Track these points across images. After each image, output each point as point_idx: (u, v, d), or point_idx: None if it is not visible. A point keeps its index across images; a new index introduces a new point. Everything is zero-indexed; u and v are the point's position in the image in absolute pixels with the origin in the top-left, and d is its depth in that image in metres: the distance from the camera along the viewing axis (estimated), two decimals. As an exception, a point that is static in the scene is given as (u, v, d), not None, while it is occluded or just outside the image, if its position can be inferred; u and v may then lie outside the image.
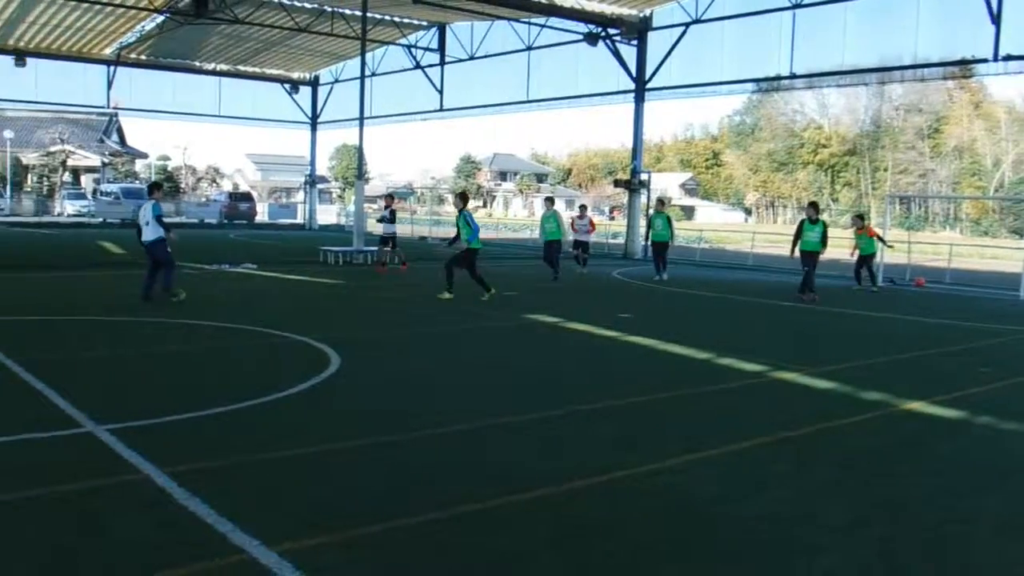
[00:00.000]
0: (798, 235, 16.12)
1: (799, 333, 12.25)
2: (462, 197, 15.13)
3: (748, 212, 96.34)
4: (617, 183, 32.05)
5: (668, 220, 20.70)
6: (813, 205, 16.79)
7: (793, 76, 25.64)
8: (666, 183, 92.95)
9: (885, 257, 21.34)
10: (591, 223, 21.96)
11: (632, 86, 28.74)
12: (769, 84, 27.96)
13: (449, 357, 9.26)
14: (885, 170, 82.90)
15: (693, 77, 27.64)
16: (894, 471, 5.49)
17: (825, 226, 16.15)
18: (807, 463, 5.58)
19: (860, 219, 19.70)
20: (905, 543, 4.32)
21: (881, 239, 19.27)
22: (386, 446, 5.63)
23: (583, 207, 22.62)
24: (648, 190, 29.64)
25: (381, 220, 21.65)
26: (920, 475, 5.43)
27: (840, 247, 20.82)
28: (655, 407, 7.08)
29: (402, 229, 42.81)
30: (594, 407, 6.92)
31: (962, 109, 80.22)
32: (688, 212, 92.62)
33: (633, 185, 29.07)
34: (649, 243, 21.10)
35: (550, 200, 21.45)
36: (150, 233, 12.71)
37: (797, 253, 16.11)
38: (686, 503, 4.77)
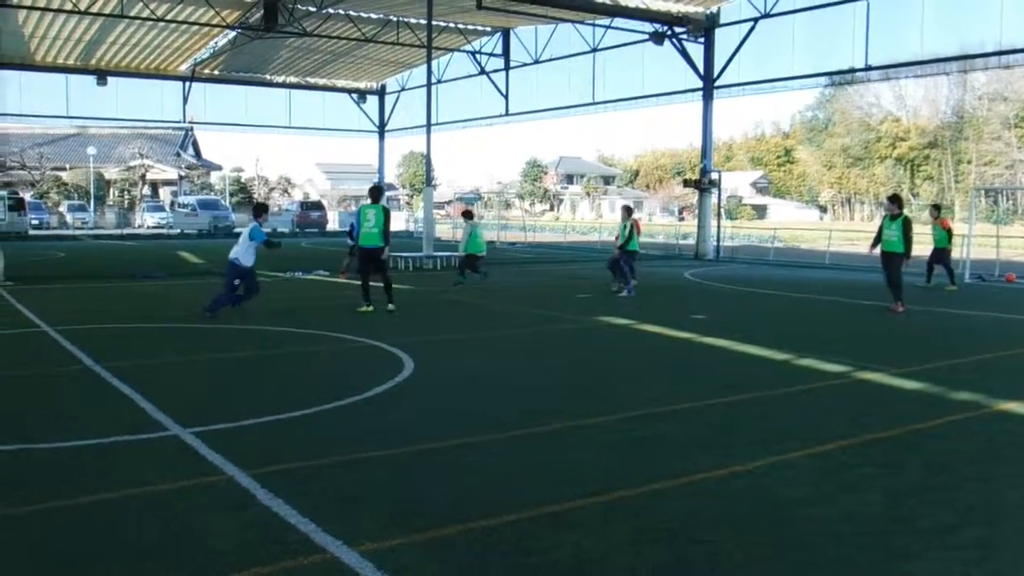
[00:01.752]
0: (879, 234, 14.06)
1: (881, 332, 11.91)
2: (627, 210, 16.98)
3: (823, 209, 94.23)
4: (687, 183, 31.70)
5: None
6: (893, 199, 14.42)
7: (868, 68, 24.99)
8: (736, 182, 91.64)
9: (972, 252, 20.63)
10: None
11: (700, 84, 28.43)
12: (843, 77, 27.31)
13: (523, 359, 9.30)
14: (969, 162, 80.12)
15: (763, 73, 27.22)
16: (989, 474, 5.29)
17: (907, 223, 13.74)
18: (895, 466, 5.42)
19: (936, 209, 19.09)
20: (1004, 549, 4.15)
21: (950, 233, 18.19)
22: (464, 448, 5.67)
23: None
24: (719, 190, 29.27)
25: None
26: (1018, 478, 5.22)
27: (922, 244, 20.14)
28: (733, 409, 6.97)
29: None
30: (672, 408, 6.86)
31: (1051, 96, 76.99)
32: (760, 211, 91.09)
33: (703, 185, 28.73)
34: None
35: (628, 210, 19.62)
36: (247, 258, 12.19)
37: (877, 251, 14.27)
38: (769, 505, 4.68)
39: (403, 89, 43.96)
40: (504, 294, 16.25)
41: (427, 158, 26.47)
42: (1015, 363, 9.34)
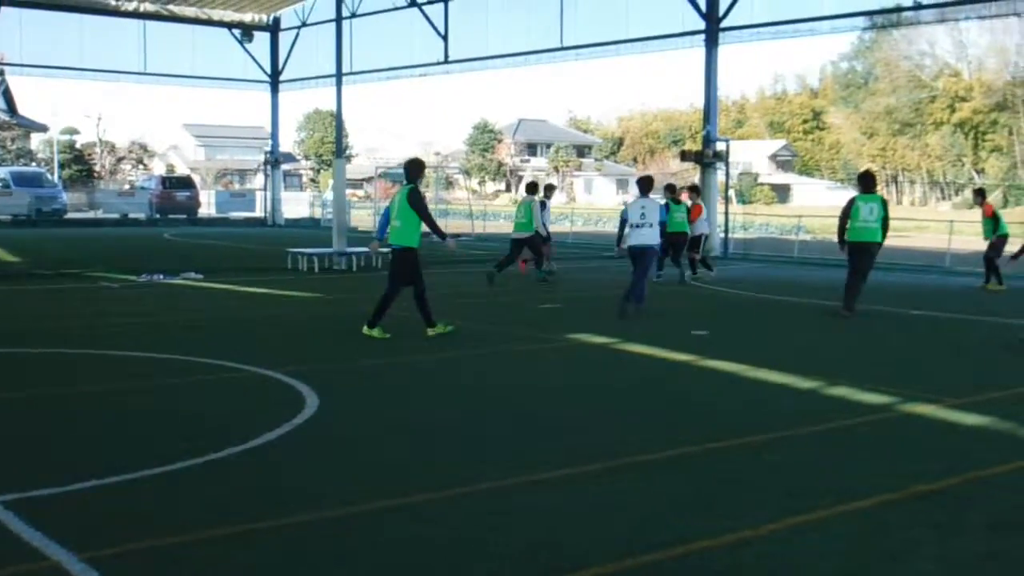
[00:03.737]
0: (848, 220, 14.43)
1: (935, 351, 12.15)
2: (695, 189, 18.34)
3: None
4: (685, 155, 31.92)
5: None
6: (866, 176, 15.08)
7: (919, 7, 25.54)
8: (751, 154, 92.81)
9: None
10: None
11: (702, 25, 28.74)
12: (886, 18, 27.85)
13: (464, 392, 9.30)
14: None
15: (783, 11, 27.63)
16: (1073, 536, 5.43)
17: (886, 203, 14.68)
18: (953, 526, 5.53)
19: (981, 195, 19.75)
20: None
21: (996, 219, 18.87)
22: (383, 513, 5.65)
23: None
24: (727, 164, 29.54)
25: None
26: (1109, 541, 5.37)
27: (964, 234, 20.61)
28: (744, 454, 7.05)
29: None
30: (663, 455, 6.92)
31: None
32: (781, 192, 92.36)
33: (707, 158, 28.97)
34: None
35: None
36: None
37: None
38: (790, 582, 4.75)
39: (304, 24, 43.49)
40: (444, 305, 16.21)
41: (338, 119, 26.40)
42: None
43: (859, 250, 14.33)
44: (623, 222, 14.96)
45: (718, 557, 5.04)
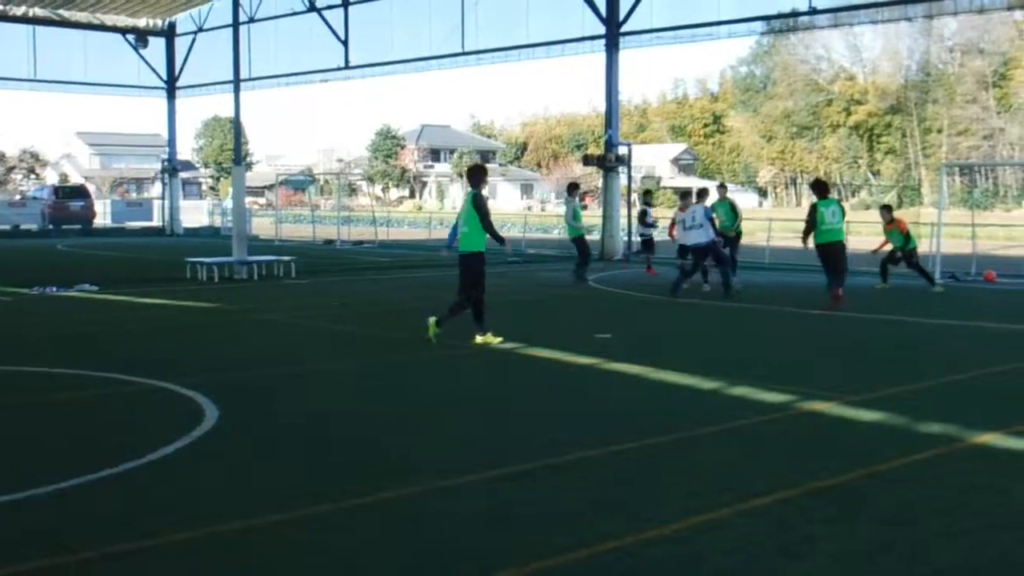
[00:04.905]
0: (815, 221, 16.23)
1: (832, 350, 12.44)
2: (723, 186, 19.97)
3: (763, 193, 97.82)
4: (587, 160, 32.22)
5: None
6: (819, 184, 17.54)
7: (814, 12, 26.11)
8: (653, 158, 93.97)
9: (943, 247, 21.78)
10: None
11: (602, 30, 29.03)
12: (783, 23, 28.43)
13: (372, 399, 9.26)
14: (939, 131, 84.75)
15: (683, 16, 28.02)
16: (963, 526, 5.61)
17: (841, 205, 17.22)
18: (849, 521, 5.67)
19: (888, 211, 20.30)
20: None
21: (907, 235, 19.40)
22: (287, 526, 5.60)
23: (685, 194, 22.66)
24: (629, 168, 29.89)
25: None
26: (997, 530, 5.55)
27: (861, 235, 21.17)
28: (647, 456, 7.14)
29: (302, 230, 42.87)
30: (568, 459, 6.96)
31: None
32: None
33: (608, 162, 29.28)
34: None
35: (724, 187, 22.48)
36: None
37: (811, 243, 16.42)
38: (691, 581, 4.82)
39: (200, 30, 42.84)
40: (349, 312, 16.15)
41: (236, 126, 25.98)
42: (995, 384, 9.93)
43: (831, 250, 16.24)
44: (673, 222, 18.89)
45: (622, 558, 5.10)
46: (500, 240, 13.17)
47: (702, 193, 18.40)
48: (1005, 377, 10.35)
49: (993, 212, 66.21)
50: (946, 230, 23.35)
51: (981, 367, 10.74)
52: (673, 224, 19.57)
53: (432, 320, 12.15)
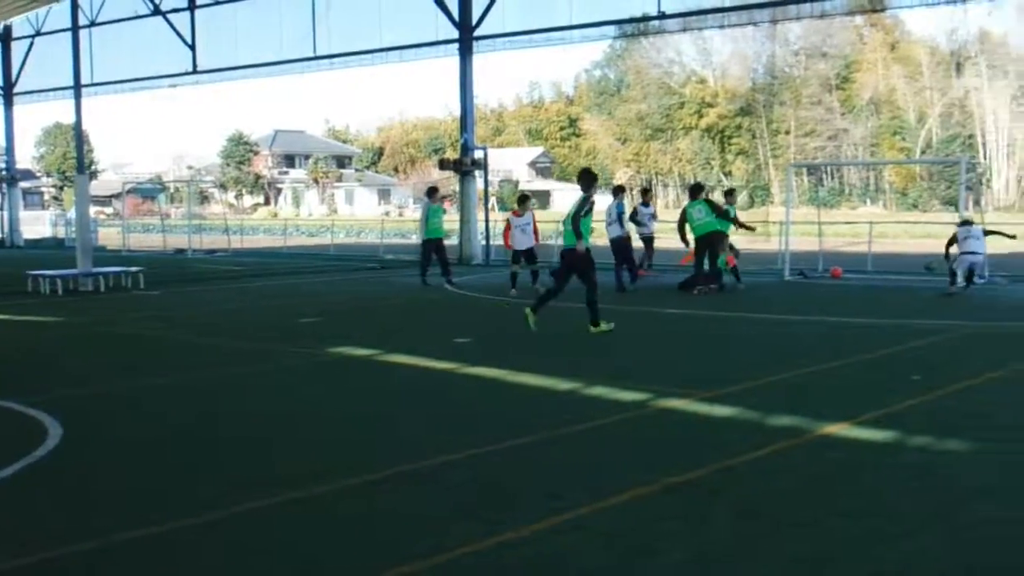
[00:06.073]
0: (686, 220, 18.65)
1: (686, 348, 12.72)
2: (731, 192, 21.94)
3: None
4: (443, 164, 32.24)
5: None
6: (697, 188, 19.88)
7: (664, 16, 26.69)
8: (510, 162, 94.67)
9: (792, 244, 22.53)
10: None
11: (456, 34, 29.10)
12: (635, 27, 29.00)
13: (220, 414, 9.06)
14: (787, 132, 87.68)
15: (536, 20, 28.33)
16: (812, 516, 5.79)
17: (708, 203, 19.02)
18: (703, 515, 5.79)
19: (730, 195, 22.10)
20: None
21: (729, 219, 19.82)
22: (126, 546, 5.43)
23: (645, 191, 23.00)
24: (486, 171, 30.03)
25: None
26: (845, 518, 5.74)
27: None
28: (505, 458, 7.16)
29: (152, 240, 41.79)
30: (424, 464, 6.94)
31: (876, 52, 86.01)
32: (542, 198, 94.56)
33: (464, 166, 29.36)
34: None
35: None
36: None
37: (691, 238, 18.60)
38: (550, 582, 4.85)
39: (38, 33, 41.32)
40: (198, 323, 15.80)
41: (77, 133, 25.11)
42: (841, 377, 10.30)
43: (705, 243, 18.22)
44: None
45: (480, 562, 5.10)
46: (578, 237, 13.39)
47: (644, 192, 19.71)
48: (852, 369, 10.74)
49: (839, 210, 68.91)
50: (795, 228, 24.22)
51: (829, 360, 11.11)
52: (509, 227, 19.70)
53: (528, 310, 13.46)
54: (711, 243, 18.25)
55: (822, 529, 5.56)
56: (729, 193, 22.41)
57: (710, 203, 19.05)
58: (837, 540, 5.39)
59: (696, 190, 19.71)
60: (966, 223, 18.01)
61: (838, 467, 6.82)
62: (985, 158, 76.67)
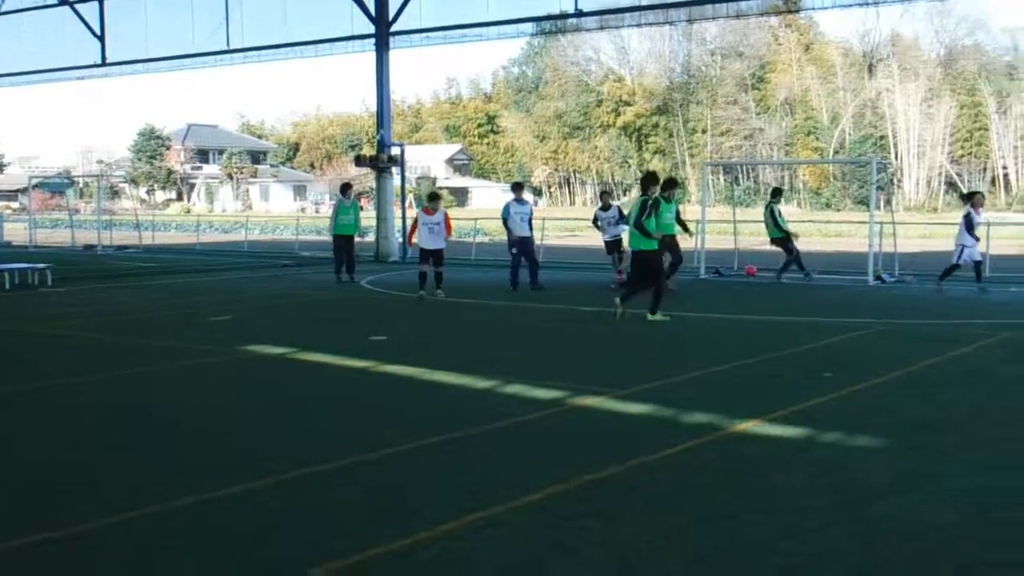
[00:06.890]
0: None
1: (602, 347, 12.80)
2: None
3: (538, 193, 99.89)
4: (359, 161, 32.01)
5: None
6: (669, 183, 18.45)
7: (581, 14, 26.84)
8: (428, 158, 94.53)
9: (707, 243, 22.83)
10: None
11: (371, 29, 28.93)
12: (552, 24, 29.11)
13: (126, 414, 8.88)
14: (704, 132, 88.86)
15: (452, 16, 28.33)
16: (726, 511, 5.86)
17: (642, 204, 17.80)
18: (618, 513, 5.83)
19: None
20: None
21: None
22: (35, 547, 5.30)
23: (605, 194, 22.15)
24: (403, 168, 29.92)
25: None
26: (757, 513, 5.83)
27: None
28: (419, 458, 7.13)
29: (60, 236, 40.85)
30: (336, 465, 6.88)
31: (790, 52, 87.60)
32: (460, 196, 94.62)
33: (381, 163, 29.20)
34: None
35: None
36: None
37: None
38: (464, 582, 4.84)
39: (-61, 24, 40.31)
40: (105, 321, 15.48)
41: (-19, 127, 24.48)
42: (755, 374, 10.45)
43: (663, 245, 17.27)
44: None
45: (395, 562, 5.08)
46: (647, 235, 14.37)
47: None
48: (765, 366, 10.92)
49: (755, 209, 69.83)
50: (710, 227, 24.53)
51: (743, 357, 11.28)
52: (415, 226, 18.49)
53: (617, 299, 14.43)
54: (670, 246, 17.73)
55: (735, 524, 5.64)
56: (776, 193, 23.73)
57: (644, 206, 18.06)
58: (750, 535, 5.46)
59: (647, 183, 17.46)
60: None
61: (751, 463, 6.92)
62: (896, 158, 78.59)
